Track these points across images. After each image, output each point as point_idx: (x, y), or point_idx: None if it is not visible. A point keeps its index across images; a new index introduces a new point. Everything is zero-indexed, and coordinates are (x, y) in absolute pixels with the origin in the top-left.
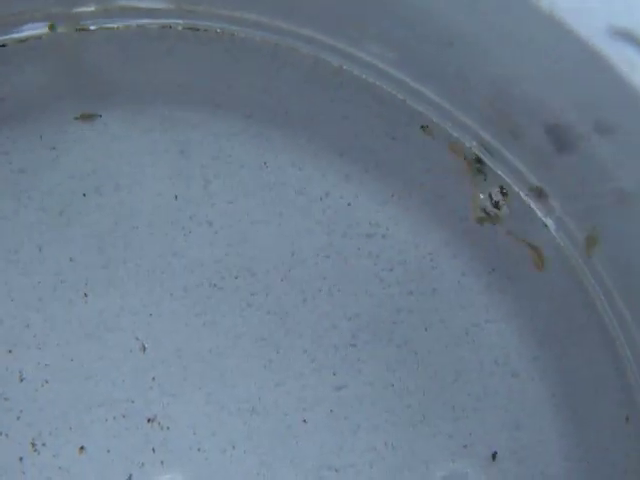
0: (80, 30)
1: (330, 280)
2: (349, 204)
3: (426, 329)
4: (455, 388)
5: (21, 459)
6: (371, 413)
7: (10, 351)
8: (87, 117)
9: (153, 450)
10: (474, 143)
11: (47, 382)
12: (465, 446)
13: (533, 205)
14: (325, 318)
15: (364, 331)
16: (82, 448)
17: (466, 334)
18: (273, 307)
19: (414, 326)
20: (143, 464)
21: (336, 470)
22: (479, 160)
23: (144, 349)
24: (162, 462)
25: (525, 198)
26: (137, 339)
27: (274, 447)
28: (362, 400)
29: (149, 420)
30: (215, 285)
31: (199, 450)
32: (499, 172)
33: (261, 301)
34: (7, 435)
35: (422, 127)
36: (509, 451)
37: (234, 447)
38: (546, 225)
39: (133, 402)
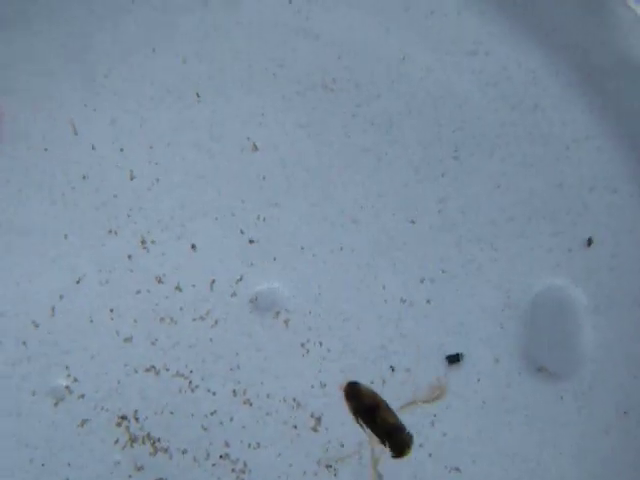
0: None
1: (435, 94)
2: (454, 21)
3: (528, 143)
4: (556, 200)
5: (130, 257)
6: (473, 225)
7: (122, 150)
8: None
9: (260, 251)
10: None
11: (158, 181)
12: (559, 264)
13: None
14: (429, 130)
15: (468, 144)
16: (193, 246)
17: (567, 149)
18: (378, 118)
19: (516, 140)
20: (252, 264)
21: (432, 281)
22: None
23: (255, 148)
24: (264, 268)
25: None
26: (248, 139)
27: (376, 254)
28: (465, 212)
29: (258, 217)
30: (320, 97)
31: (302, 249)
32: None
33: (366, 112)
34: (116, 233)
35: None
36: (606, 268)
37: (341, 248)
38: None
39: (243, 202)
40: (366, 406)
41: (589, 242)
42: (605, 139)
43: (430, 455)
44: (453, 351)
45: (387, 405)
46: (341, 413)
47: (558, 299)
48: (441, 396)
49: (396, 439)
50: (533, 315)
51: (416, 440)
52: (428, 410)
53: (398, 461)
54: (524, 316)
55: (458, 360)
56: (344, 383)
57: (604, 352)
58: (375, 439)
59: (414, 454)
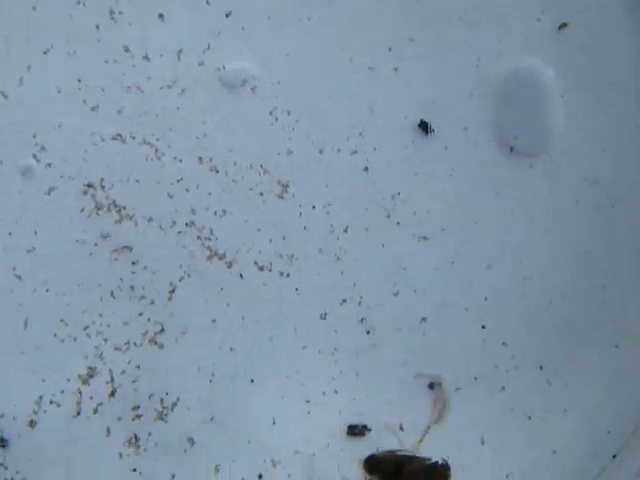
0: None
1: None
2: None
3: None
4: None
5: (97, 27)
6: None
7: None
8: None
9: (228, 20)
10: None
11: None
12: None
13: None
14: None
15: None
16: (161, 16)
17: None
18: None
19: None
20: (220, 33)
21: (400, 50)
22: None
23: None
24: (232, 37)
25: None
26: None
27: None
28: None
29: None
30: None
31: (270, 19)
32: None
33: None
34: (84, 4)
35: None
36: (579, 49)
37: (309, 19)
38: None
39: None
40: (391, 471)
41: (562, 25)
42: None
43: (398, 224)
44: (421, 121)
45: (408, 456)
46: (307, 180)
47: (529, 78)
48: (445, 406)
49: (435, 477)
50: (503, 92)
51: (384, 212)
52: (394, 187)
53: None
54: (494, 94)
55: (427, 130)
56: (362, 461)
57: (574, 128)
58: None
59: (381, 223)
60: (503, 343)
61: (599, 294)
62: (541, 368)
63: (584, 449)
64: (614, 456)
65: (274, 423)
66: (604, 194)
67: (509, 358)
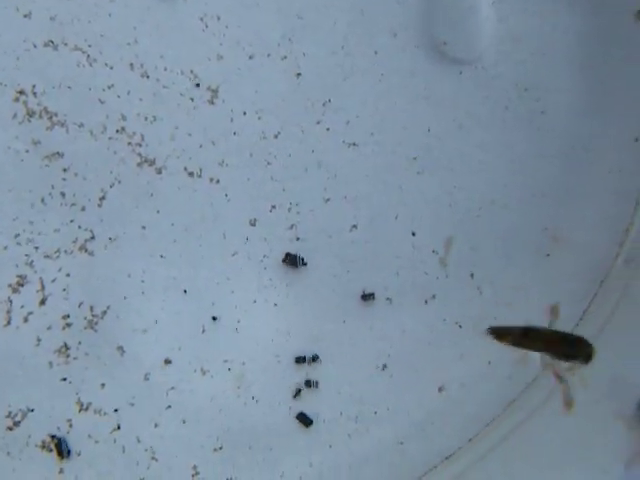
0: None
1: None
2: None
3: None
4: None
5: None
6: None
7: None
8: None
9: None
10: None
11: None
12: None
13: None
14: None
15: None
16: None
17: None
18: None
19: None
20: None
21: None
22: None
23: None
24: None
25: None
26: None
27: None
28: None
29: None
30: None
31: None
32: None
33: None
34: None
35: None
36: None
37: None
38: None
39: None
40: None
41: None
42: None
43: (328, 130)
44: None
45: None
46: (238, 85)
47: None
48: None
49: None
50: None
51: (314, 118)
52: (324, 93)
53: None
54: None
55: None
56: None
57: (505, 35)
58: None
59: (312, 130)
60: (433, 251)
61: (530, 202)
62: (472, 276)
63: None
64: None
65: (203, 331)
66: (534, 100)
67: (439, 266)
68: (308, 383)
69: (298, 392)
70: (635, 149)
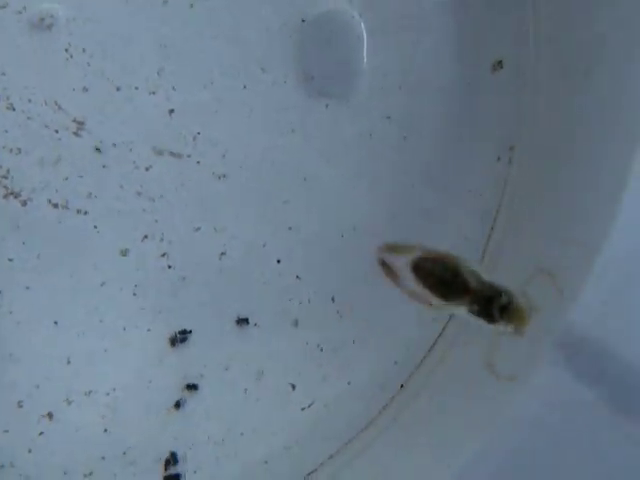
0: None
1: None
2: None
3: None
4: None
5: None
6: None
7: None
8: None
9: None
10: None
11: None
12: None
13: None
14: None
15: None
16: None
17: None
18: None
19: None
20: None
21: None
22: None
23: None
24: None
25: None
26: None
27: None
28: None
29: None
30: None
31: None
32: None
33: None
34: None
35: None
36: None
37: None
38: None
39: None
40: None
41: None
42: None
43: (199, 163)
44: None
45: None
46: (105, 117)
47: (331, 19)
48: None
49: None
50: (304, 32)
51: (185, 151)
52: (194, 126)
53: None
54: (294, 33)
55: None
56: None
57: (373, 68)
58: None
59: (182, 162)
60: (297, 277)
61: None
62: (333, 300)
63: (374, 379)
64: (402, 386)
65: (69, 362)
66: (396, 129)
67: (302, 291)
68: (177, 405)
69: (169, 414)
70: (496, 168)
